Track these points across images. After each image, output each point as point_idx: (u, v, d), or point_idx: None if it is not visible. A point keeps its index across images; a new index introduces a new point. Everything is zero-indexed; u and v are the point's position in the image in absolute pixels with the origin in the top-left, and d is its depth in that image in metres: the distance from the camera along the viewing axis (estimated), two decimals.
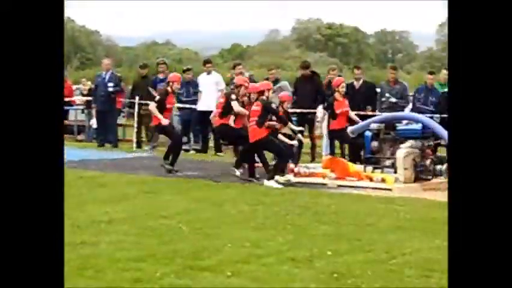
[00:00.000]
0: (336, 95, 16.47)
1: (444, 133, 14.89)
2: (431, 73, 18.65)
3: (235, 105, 15.21)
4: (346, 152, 17.80)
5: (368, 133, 15.69)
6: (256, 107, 14.59)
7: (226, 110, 15.38)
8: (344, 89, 16.48)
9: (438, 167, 14.76)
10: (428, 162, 14.88)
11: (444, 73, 18.79)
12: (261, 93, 14.88)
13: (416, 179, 14.73)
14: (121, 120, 24.27)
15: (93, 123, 22.66)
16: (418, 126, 15.18)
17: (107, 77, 21.10)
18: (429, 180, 14.83)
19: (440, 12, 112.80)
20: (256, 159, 15.04)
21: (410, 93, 18.63)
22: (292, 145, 15.58)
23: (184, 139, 19.25)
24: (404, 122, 15.74)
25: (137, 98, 20.72)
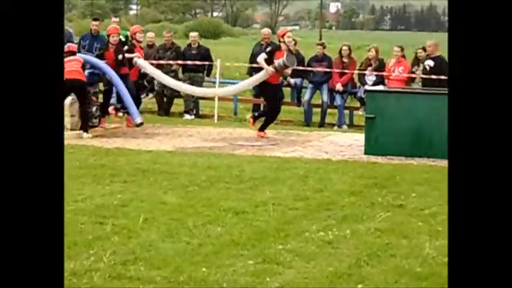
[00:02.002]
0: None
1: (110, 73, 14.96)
2: (95, 20, 18.58)
3: None
4: None
5: None
6: None
7: None
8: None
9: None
10: (94, 109, 14.91)
11: (114, 20, 18.87)
12: None
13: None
14: None
15: None
16: (85, 73, 15.12)
17: None
18: (95, 127, 14.89)
19: None
20: None
21: (76, 41, 18.46)
22: None
23: None
24: None
25: None
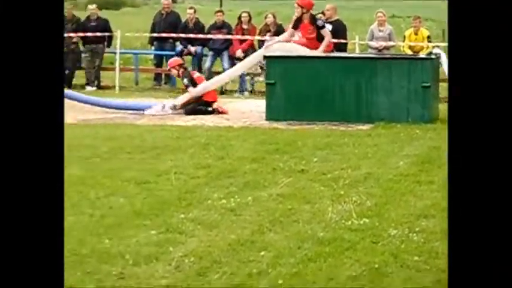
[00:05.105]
0: None
1: None
2: None
3: None
4: None
5: None
6: None
7: None
8: None
9: None
10: None
11: None
12: None
13: None
14: None
15: None
16: None
17: None
18: None
19: None
20: None
21: None
22: None
23: None
24: None
25: None
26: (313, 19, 13.73)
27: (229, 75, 15.53)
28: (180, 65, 14.83)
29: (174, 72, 15.06)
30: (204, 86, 14.24)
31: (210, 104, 14.05)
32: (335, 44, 15.64)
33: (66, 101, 14.81)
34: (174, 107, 13.93)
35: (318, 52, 13.38)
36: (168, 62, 15.89)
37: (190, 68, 18.08)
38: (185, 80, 14.30)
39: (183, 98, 14.17)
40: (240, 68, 15.33)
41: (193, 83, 14.19)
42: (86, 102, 14.62)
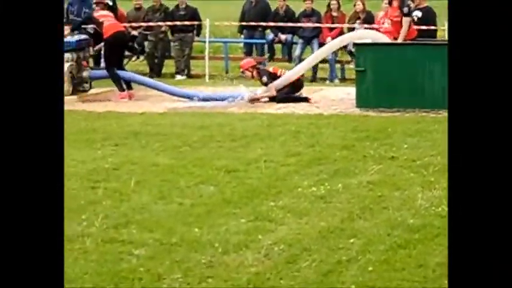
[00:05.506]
0: None
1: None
2: None
3: None
4: None
5: None
6: None
7: None
8: None
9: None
10: (85, 73, 14.83)
11: None
12: None
13: (74, 91, 14.62)
14: None
15: None
16: (73, 38, 15.00)
17: None
18: (86, 91, 14.83)
19: None
20: None
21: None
22: None
23: None
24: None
25: None
26: (402, 3, 13.60)
27: (316, 56, 15.39)
28: (253, 66, 14.63)
29: (247, 74, 14.59)
30: (286, 77, 14.11)
31: (297, 85, 13.97)
32: (424, 30, 15.41)
33: (154, 91, 15.08)
34: (251, 101, 13.80)
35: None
36: (240, 64, 15.68)
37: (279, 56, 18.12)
38: (264, 78, 14.10)
39: (263, 92, 14.07)
40: (323, 53, 15.28)
41: (273, 77, 14.05)
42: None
